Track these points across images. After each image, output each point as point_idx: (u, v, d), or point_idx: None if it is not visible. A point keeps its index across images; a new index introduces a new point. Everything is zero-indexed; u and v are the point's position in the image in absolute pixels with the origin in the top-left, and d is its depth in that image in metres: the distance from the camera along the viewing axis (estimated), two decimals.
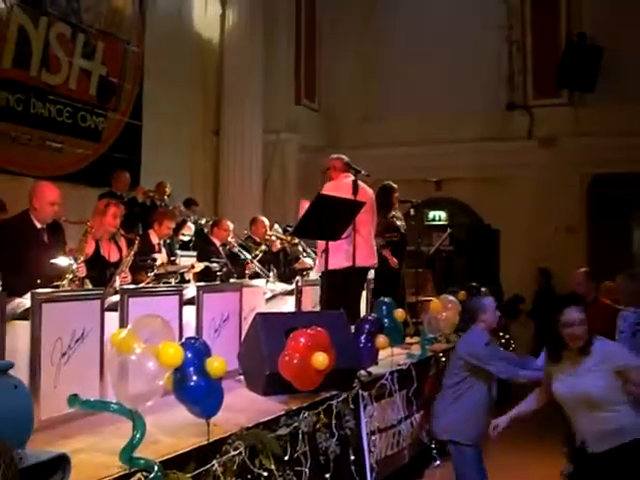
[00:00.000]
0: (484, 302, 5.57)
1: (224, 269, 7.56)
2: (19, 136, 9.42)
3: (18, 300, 4.14)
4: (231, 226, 9.04)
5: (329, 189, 6.66)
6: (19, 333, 3.76)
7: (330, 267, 6.14)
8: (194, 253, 8.84)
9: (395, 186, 8.41)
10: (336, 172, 6.96)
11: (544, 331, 5.15)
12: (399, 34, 14.82)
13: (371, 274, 8.51)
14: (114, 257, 6.48)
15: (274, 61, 13.95)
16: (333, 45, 15.28)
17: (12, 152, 9.29)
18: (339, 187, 6.63)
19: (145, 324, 3.25)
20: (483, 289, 9.01)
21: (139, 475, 3.03)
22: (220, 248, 8.67)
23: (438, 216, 14.88)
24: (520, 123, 14.21)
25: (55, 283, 5.18)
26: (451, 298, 7.50)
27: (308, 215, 5.92)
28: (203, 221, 9.75)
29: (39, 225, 5.72)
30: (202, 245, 8.93)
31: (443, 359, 7.12)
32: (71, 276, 5.31)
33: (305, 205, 6.45)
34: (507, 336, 9.72)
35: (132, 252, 6.34)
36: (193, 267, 7.62)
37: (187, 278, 7.58)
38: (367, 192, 6.89)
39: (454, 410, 5.31)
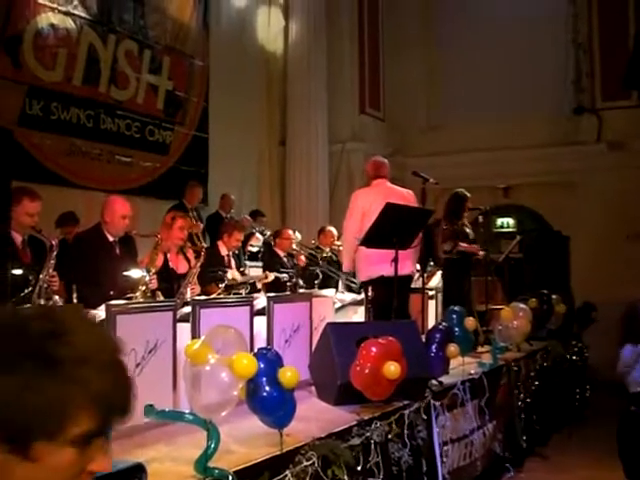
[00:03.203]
0: None
1: (293, 279, 7.59)
2: (89, 151, 9.62)
3: (92, 312, 4.22)
4: (296, 235, 9.10)
5: (356, 197, 6.73)
6: None
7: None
8: (261, 264, 8.91)
9: (468, 195, 8.30)
10: (369, 177, 6.94)
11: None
12: (462, 40, 14.69)
13: (440, 282, 8.46)
14: (182, 269, 6.57)
15: (338, 71, 13.97)
16: (396, 53, 15.22)
17: (83, 167, 9.49)
18: (366, 194, 6.66)
19: (218, 335, 3.27)
20: (554, 296, 8.86)
21: None
22: (285, 258, 8.72)
23: (506, 223, 14.66)
24: (588, 127, 13.92)
25: (128, 295, 5.27)
26: (522, 306, 7.39)
27: (377, 224, 5.90)
28: (268, 233, 9.81)
29: (111, 238, 5.84)
30: (267, 256, 8.99)
31: (515, 368, 7.00)
32: (143, 288, 5.40)
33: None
34: (580, 344, 9.52)
35: (199, 263, 6.41)
36: (266, 277, 7.69)
37: (258, 288, 7.64)
38: (403, 197, 6.81)
39: None
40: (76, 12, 9.41)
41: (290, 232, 9.12)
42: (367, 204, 6.36)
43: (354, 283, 7.76)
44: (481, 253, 8.35)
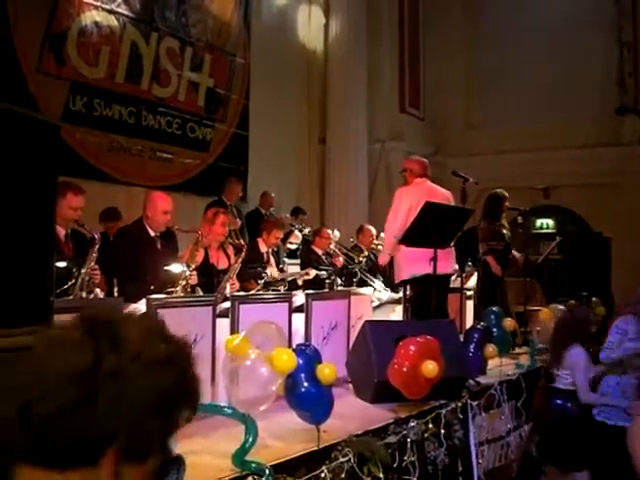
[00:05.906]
0: None
1: (332, 277, 7.61)
2: (131, 147, 9.72)
3: (133, 306, 4.26)
4: (334, 234, 9.10)
5: (401, 195, 6.69)
6: None
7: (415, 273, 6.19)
8: (299, 261, 8.95)
9: (506, 195, 8.23)
10: (412, 176, 6.90)
11: None
12: (504, 39, 14.59)
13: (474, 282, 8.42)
14: (222, 265, 6.59)
15: (378, 70, 13.97)
16: (437, 51, 15.17)
17: (124, 163, 9.59)
18: (411, 192, 6.63)
19: (259, 330, 3.29)
20: (593, 299, 8.75)
21: (250, 478, 3.07)
22: (323, 257, 8.73)
23: (546, 224, 14.54)
24: (631, 127, 13.75)
25: (168, 289, 5.31)
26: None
27: (417, 223, 5.89)
28: (307, 230, 9.83)
29: (153, 233, 5.89)
30: (305, 254, 9.02)
31: None
32: (184, 283, 5.44)
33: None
34: None
35: (240, 260, 6.44)
36: (307, 274, 7.71)
37: (298, 284, 7.67)
38: (444, 197, 6.80)
39: None
40: (119, 10, 9.53)
41: (329, 231, 9.14)
42: (414, 202, 6.35)
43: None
44: (499, 268, 8.14)
